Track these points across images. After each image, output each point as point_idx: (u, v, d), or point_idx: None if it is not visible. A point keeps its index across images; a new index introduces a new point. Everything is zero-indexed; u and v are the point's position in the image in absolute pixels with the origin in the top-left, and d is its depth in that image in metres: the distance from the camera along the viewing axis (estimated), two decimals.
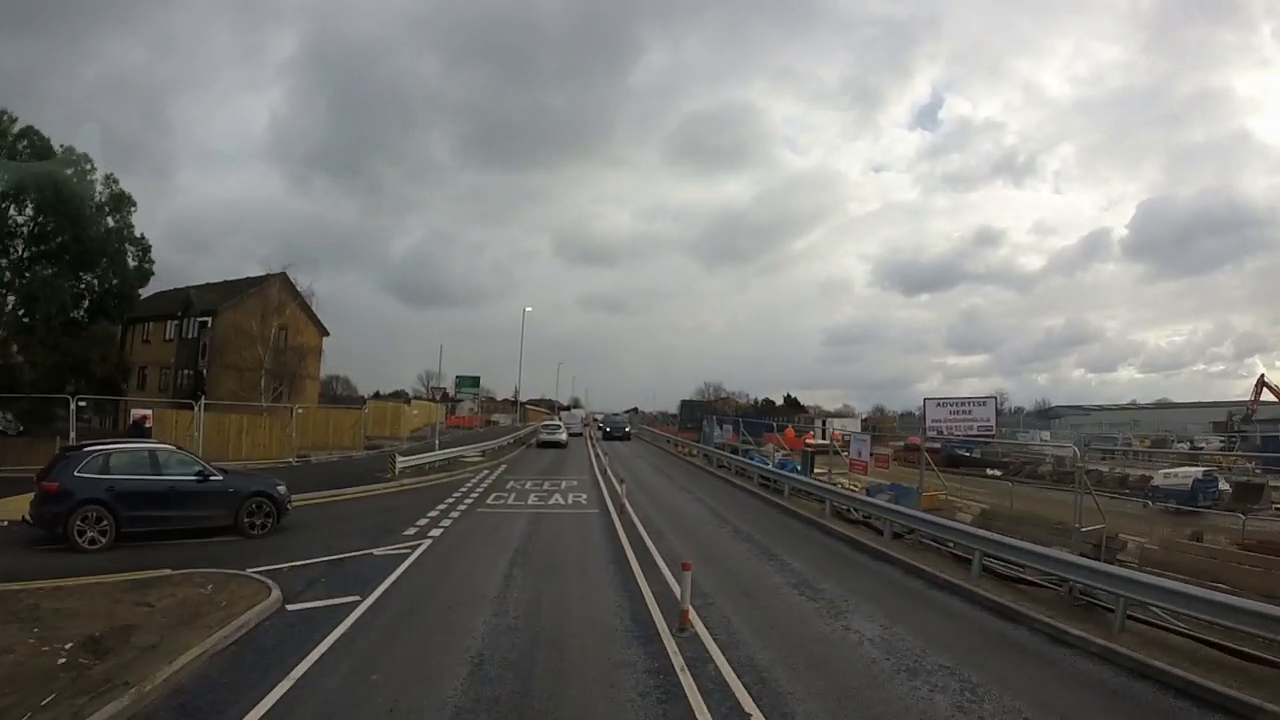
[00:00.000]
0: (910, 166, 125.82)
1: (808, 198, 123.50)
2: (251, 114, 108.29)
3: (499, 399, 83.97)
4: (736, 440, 32.73)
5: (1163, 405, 76.37)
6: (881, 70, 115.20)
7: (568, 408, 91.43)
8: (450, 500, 16.05)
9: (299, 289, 35.52)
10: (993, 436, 40.70)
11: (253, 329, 33.10)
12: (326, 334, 38.41)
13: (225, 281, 40.36)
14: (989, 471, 34.15)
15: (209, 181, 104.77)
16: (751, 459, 23.54)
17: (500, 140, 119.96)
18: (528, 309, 64.62)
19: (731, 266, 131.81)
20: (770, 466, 21.73)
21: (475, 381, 47.00)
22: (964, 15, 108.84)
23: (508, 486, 18.83)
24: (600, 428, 47.24)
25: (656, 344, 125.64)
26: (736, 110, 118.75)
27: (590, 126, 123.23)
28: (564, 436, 35.95)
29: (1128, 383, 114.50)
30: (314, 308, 35.99)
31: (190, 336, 36.92)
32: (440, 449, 23.99)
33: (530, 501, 16.23)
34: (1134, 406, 77.44)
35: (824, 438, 44.60)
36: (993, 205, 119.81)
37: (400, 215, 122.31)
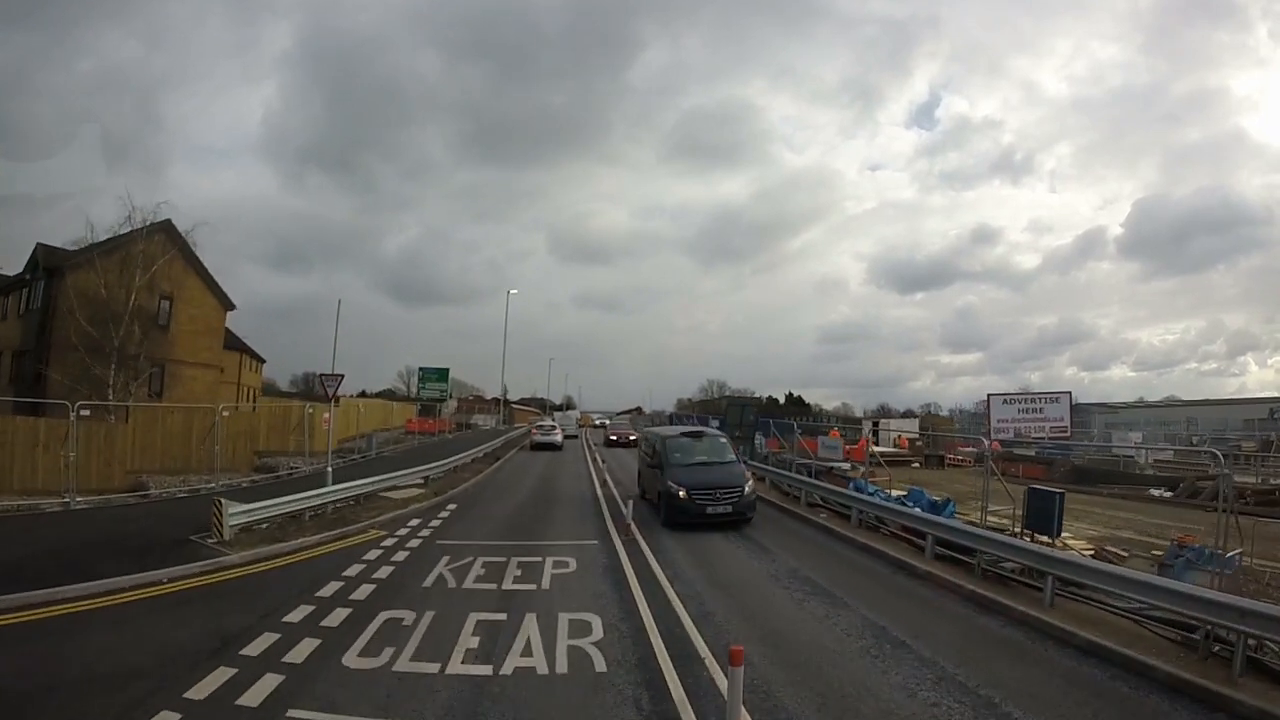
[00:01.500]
0: (908, 165, 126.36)
1: (805, 196, 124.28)
2: (245, 109, 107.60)
3: (488, 398, 75.24)
4: (776, 447, 23.40)
5: (1172, 403, 70.84)
6: (881, 69, 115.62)
7: (560, 408, 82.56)
8: (267, 640, 6.20)
9: (188, 240, 25.52)
10: (1068, 437, 30.07)
11: (106, 295, 22.99)
12: (231, 307, 28.27)
13: (112, 238, 30.18)
14: (1155, 492, 24.55)
15: (202, 178, 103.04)
16: (869, 494, 13.75)
17: (497, 138, 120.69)
18: (513, 291, 55.29)
19: (727, 265, 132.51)
20: (917, 510, 12.03)
21: (443, 375, 37.05)
22: (964, 14, 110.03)
23: (428, 580, 8.83)
24: (628, 440, 33.24)
25: (651, 344, 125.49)
26: (735, 108, 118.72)
27: (588, 124, 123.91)
28: (559, 438, 33.14)
29: (1120, 381, 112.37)
30: (202, 261, 25.81)
31: (36, 308, 26.84)
32: (340, 483, 14.03)
33: (460, 651, 6.24)
34: (1143, 404, 71.90)
35: (875, 441, 35.11)
36: (989, 204, 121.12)
37: (395, 213, 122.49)
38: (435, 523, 12.66)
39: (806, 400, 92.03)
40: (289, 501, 12.31)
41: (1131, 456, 34.09)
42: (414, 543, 11.01)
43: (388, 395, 66.39)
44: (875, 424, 43.39)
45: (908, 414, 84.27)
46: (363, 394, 78.75)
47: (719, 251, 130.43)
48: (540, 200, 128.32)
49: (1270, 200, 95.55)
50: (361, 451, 23.18)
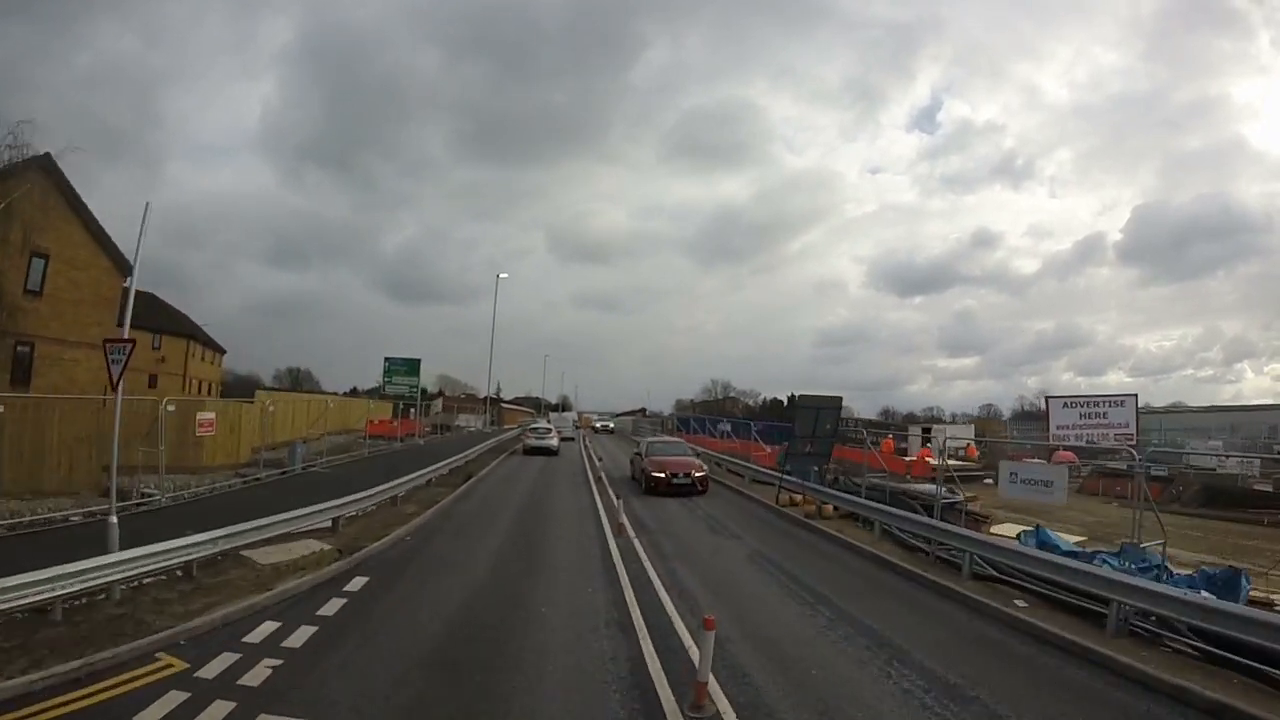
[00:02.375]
0: (909, 168, 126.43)
1: (804, 198, 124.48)
2: (244, 106, 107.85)
3: (481, 396, 69.67)
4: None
5: (1179, 409, 67.95)
6: (883, 71, 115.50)
7: (556, 407, 76.62)
8: None
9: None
10: (1135, 446, 27.16)
11: None
12: (130, 271, 21.92)
13: None
14: None
15: (200, 175, 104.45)
16: (1064, 553, 7.72)
17: (496, 136, 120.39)
18: (503, 275, 49.34)
19: (727, 266, 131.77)
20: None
21: (413, 366, 30.73)
22: (966, 17, 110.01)
23: None
24: (691, 481, 16.74)
25: (650, 344, 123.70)
26: (735, 108, 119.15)
27: (588, 123, 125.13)
28: (555, 442, 29.94)
29: (1116, 387, 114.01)
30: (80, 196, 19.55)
31: None
32: (194, 533, 7.81)
33: None
34: (1149, 410, 69.13)
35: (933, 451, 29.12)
36: (989, 208, 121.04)
37: (393, 211, 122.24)
38: (299, 637, 6.37)
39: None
40: (26, 587, 6.10)
41: (1215, 469, 28.56)
42: (213, 713, 4.79)
43: (376, 393, 60.80)
44: (926, 430, 37.12)
45: (910, 418, 77.73)
46: (353, 391, 73.00)
47: (718, 252, 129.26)
48: (539, 199, 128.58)
49: (1270, 208, 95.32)
50: (283, 466, 16.93)
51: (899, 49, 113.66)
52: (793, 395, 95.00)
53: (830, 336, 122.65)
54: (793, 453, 14.12)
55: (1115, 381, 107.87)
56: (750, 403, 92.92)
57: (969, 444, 32.96)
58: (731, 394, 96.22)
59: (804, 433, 13.73)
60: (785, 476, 14.69)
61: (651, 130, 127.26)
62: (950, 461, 28.99)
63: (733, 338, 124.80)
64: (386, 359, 31.37)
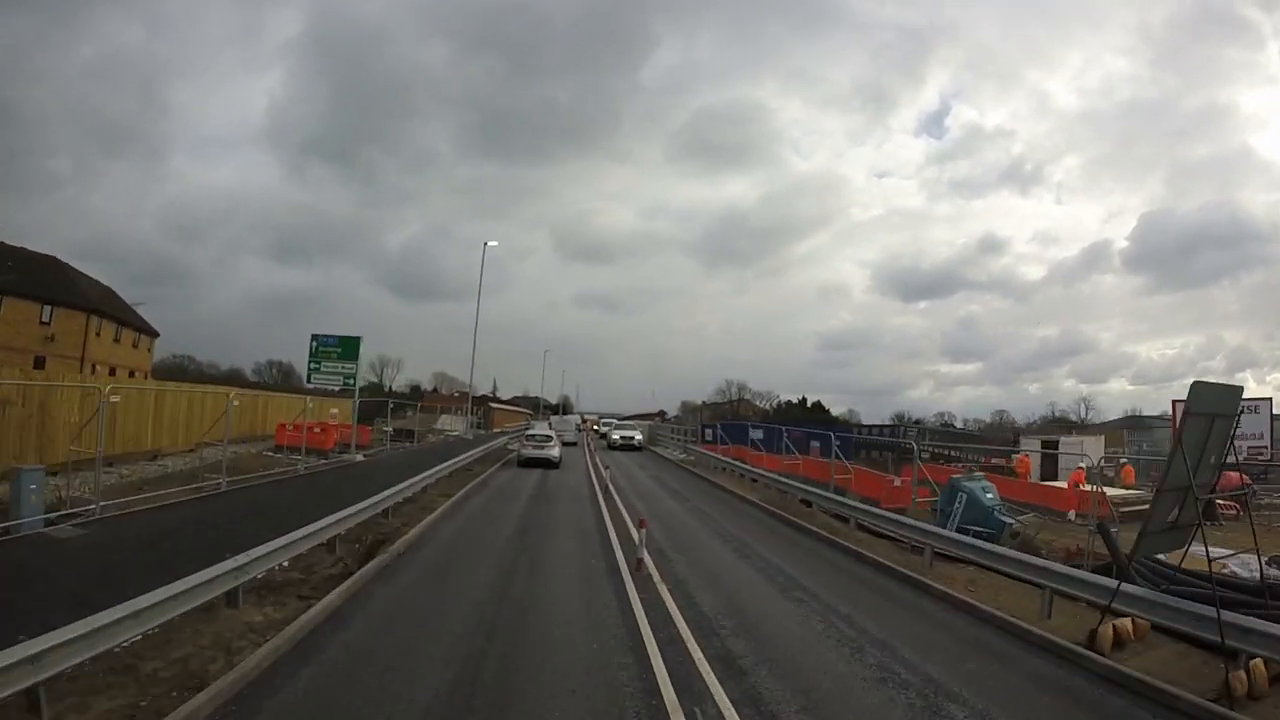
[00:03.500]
0: (917, 172, 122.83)
1: (811, 201, 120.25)
2: (249, 99, 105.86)
3: (477, 395, 62.03)
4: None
5: None
6: (893, 75, 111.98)
7: (556, 409, 68.69)
8: None
9: None
10: (1270, 460, 23.14)
11: None
12: None
13: None
14: None
15: (204, 169, 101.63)
16: None
17: (502, 133, 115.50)
18: (491, 243, 41.94)
19: (731, 269, 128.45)
20: None
21: (350, 348, 22.10)
22: (978, 22, 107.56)
23: None
24: None
25: (651, 345, 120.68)
26: (746, 109, 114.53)
27: (596, 121, 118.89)
28: (556, 452, 25.83)
29: (1118, 394, 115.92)
30: None
31: None
32: None
33: None
34: (1166, 418, 67.65)
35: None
36: (996, 214, 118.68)
37: (396, 208, 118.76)
38: None
39: (825, 406, 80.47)
40: None
41: None
42: None
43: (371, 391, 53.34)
44: (1051, 445, 28.39)
45: (919, 424, 67.01)
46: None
47: (722, 254, 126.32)
48: (544, 197, 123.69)
49: (1276, 217, 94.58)
50: (13, 516, 8.41)
51: (910, 53, 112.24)
52: (804, 398, 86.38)
53: (832, 341, 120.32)
54: (1153, 529, 5.50)
55: (1118, 389, 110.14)
56: (766, 405, 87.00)
57: (1124, 464, 24.50)
58: (746, 395, 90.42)
59: (1191, 467, 5.22)
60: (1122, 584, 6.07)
61: (659, 130, 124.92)
62: (1110, 491, 20.13)
63: (734, 340, 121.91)
64: (314, 337, 22.74)
